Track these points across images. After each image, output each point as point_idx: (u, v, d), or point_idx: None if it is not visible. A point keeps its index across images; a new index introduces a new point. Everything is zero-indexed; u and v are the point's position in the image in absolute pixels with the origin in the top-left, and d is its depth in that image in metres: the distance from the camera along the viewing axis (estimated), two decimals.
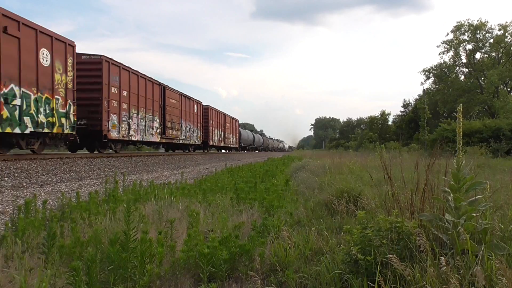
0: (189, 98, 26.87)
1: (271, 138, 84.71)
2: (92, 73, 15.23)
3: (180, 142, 25.11)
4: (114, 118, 16.33)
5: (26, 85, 10.74)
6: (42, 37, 11.49)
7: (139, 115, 18.69)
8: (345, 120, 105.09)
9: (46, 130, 11.69)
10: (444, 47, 47.05)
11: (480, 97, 42.29)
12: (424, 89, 45.48)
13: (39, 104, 11.31)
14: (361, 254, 2.46)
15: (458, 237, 2.44)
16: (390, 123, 58.09)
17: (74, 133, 13.34)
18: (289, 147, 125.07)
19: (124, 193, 6.31)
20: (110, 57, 15.96)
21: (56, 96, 12.21)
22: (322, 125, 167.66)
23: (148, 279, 2.67)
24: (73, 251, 3.18)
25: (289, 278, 2.62)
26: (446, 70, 47.84)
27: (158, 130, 21.06)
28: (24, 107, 10.64)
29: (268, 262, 3.07)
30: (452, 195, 2.63)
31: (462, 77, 47.93)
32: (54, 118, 12.06)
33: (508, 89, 43.83)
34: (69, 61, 13.02)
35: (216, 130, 34.84)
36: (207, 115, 31.97)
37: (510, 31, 42.19)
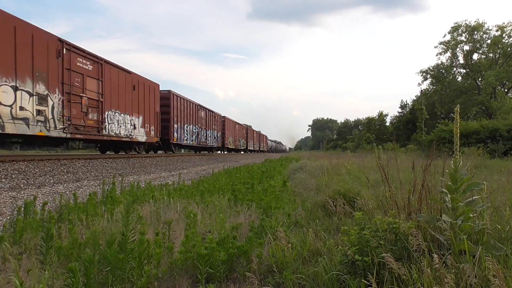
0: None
1: (278, 142, 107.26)
2: None
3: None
4: None
5: None
6: None
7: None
8: (343, 121, 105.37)
9: None
10: (442, 48, 47.32)
11: (478, 98, 42.44)
12: (421, 90, 45.65)
13: None
14: (359, 255, 2.46)
15: (456, 238, 2.45)
16: (387, 124, 58.31)
17: None
18: (289, 148, 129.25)
19: (121, 195, 6.30)
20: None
21: None
22: (320, 126, 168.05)
23: (146, 280, 2.67)
24: (71, 252, 3.17)
25: (287, 279, 2.62)
26: (443, 71, 48.03)
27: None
28: None
29: (266, 263, 3.07)
30: (449, 195, 2.64)
31: (460, 78, 48.12)
32: None
33: (506, 90, 43.98)
34: None
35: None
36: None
37: (507, 32, 42.42)
